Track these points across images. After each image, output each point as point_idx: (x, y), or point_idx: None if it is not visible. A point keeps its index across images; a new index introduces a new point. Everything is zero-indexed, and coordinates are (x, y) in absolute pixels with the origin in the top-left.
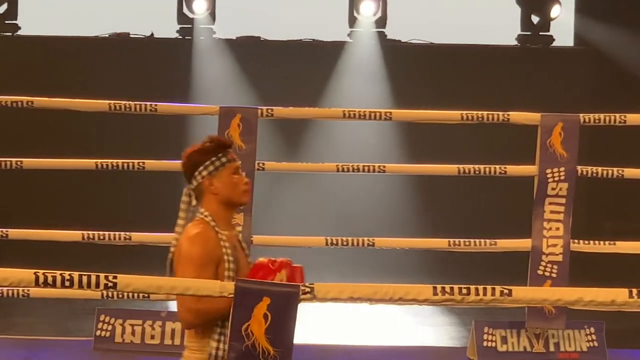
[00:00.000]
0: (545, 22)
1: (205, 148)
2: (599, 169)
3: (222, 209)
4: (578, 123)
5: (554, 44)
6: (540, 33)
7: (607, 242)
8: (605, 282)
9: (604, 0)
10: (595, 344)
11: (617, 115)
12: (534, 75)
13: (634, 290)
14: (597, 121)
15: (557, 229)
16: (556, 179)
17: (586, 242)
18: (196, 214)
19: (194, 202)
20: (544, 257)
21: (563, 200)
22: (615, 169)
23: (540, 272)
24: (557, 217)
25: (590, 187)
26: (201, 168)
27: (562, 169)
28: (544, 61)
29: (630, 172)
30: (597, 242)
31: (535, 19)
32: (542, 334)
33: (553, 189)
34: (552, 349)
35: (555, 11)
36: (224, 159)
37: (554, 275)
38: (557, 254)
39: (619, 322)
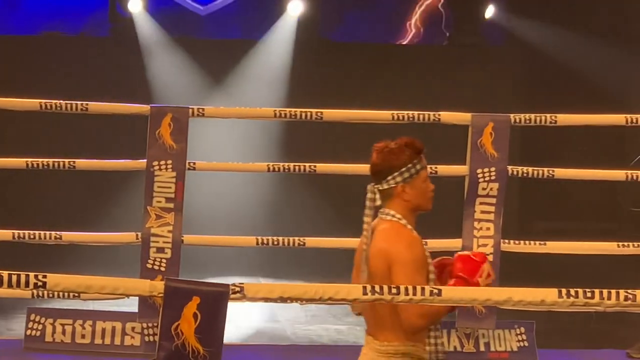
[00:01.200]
0: (477, 22)
1: (402, 152)
2: (530, 169)
3: (408, 213)
4: (509, 123)
5: (486, 43)
6: (472, 32)
7: (537, 242)
8: (536, 282)
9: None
10: (526, 343)
11: (548, 115)
12: (465, 75)
13: (563, 290)
14: (527, 121)
15: (488, 228)
16: (487, 179)
17: (517, 242)
18: (383, 215)
19: (378, 202)
20: None
21: (494, 201)
22: (546, 169)
23: None
24: (488, 217)
25: (521, 187)
26: (396, 173)
27: (492, 169)
28: (475, 61)
29: (561, 172)
30: (527, 242)
31: (466, 18)
32: (473, 333)
33: (484, 189)
34: (482, 348)
35: (488, 11)
36: (418, 166)
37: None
38: (487, 254)
39: (550, 322)
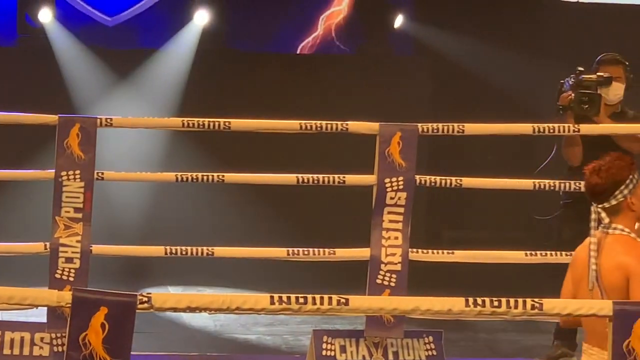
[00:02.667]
0: (386, 32)
1: (623, 167)
2: (438, 178)
3: (633, 225)
4: (416, 132)
5: (395, 53)
6: (381, 42)
7: (446, 251)
8: (445, 291)
9: (442, 9)
10: (434, 352)
11: (456, 125)
12: (374, 85)
13: (470, 300)
14: (435, 131)
15: (396, 238)
16: (395, 188)
17: (425, 251)
18: (611, 230)
19: (606, 220)
20: (382, 266)
21: (402, 210)
22: (453, 179)
23: (379, 281)
24: (396, 226)
25: (430, 196)
26: (622, 187)
27: (400, 178)
28: (384, 70)
29: (469, 182)
30: (436, 251)
31: (375, 28)
32: (381, 342)
33: (392, 198)
34: (391, 357)
35: (397, 21)
36: (637, 176)
37: (392, 284)
38: (395, 263)
39: (459, 331)
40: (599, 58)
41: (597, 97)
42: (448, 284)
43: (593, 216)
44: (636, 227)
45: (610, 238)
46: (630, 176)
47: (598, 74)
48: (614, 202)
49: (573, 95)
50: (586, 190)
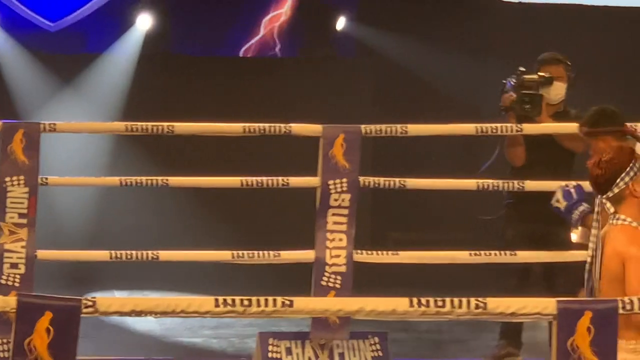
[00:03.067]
0: (328, 34)
1: (623, 155)
2: (381, 179)
3: (637, 212)
4: (359, 134)
5: (338, 55)
6: (324, 44)
7: (390, 252)
8: (391, 292)
9: (385, 10)
10: (380, 353)
11: (399, 126)
12: (318, 87)
13: (414, 300)
14: (378, 132)
15: (340, 239)
16: (338, 190)
17: (369, 252)
18: (613, 221)
19: (611, 210)
20: (327, 267)
21: (346, 212)
22: (397, 180)
23: (324, 283)
24: (340, 227)
25: (375, 198)
26: (623, 174)
27: (344, 180)
28: (327, 72)
29: (413, 182)
30: (380, 252)
31: (317, 30)
32: (327, 344)
33: (335, 200)
34: (337, 359)
35: (339, 23)
36: (638, 163)
37: (337, 285)
38: (340, 265)
39: (405, 332)
40: (540, 58)
41: (538, 97)
42: (394, 285)
43: (597, 209)
44: None
45: (615, 229)
46: (631, 164)
47: (539, 74)
48: (616, 190)
49: (514, 96)
50: (591, 184)
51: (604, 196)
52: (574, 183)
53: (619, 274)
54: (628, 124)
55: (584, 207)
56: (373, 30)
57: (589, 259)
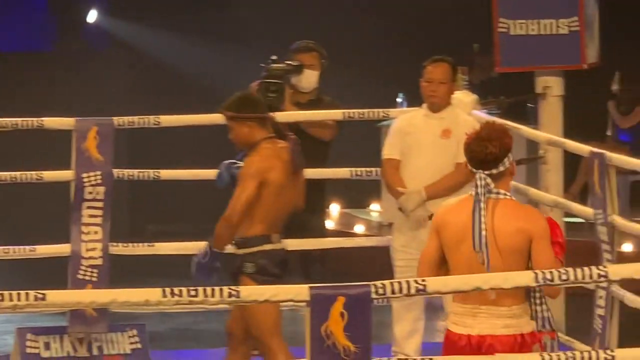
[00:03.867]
0: (81, 27)
1: (508, 134)
2: (136, 171)
3: (509, 188)
4: (112, 126)
5: (92, 48)
6: (77, 37)
7: (146, 244)
8: (152, 284)
9: (137, 2)
10: (139, 345)
11: (152, 117)
12: (72, 81)
13: (167, 290)
14: (131, 124)
15: (96, 232)
16: (93, 183)
17: (125, 245)
18: (494, 195)
19: (492, 186)
20: (83, 261)
21: (101, 204)
22: (152, 171)
23: (80, 277)
24: (96, 220)
25: (133, 190)
26: (510, 154)
27: (98, 172)
28: (82, 66)
29: (167, 174)
30: (136, 244)
31: (70, 24)
32: (86, 337)
33: (90, 193)
34: (95, 352)
35: (91, 16)
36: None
37: (94, 279)
38: (96, 258)
39: (164, 323)
40: (293, 46)
41: (281, 86)
42: (156, 277)
43: (481, 182)
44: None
45: (499, 203)
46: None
47: (287, 62)
48: (502, 168)
49: (259, 84)
50: (475, 158)
51: (487, 172)
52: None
53: (521, 248)
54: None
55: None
56: (125, 22)
57: (483, 232)
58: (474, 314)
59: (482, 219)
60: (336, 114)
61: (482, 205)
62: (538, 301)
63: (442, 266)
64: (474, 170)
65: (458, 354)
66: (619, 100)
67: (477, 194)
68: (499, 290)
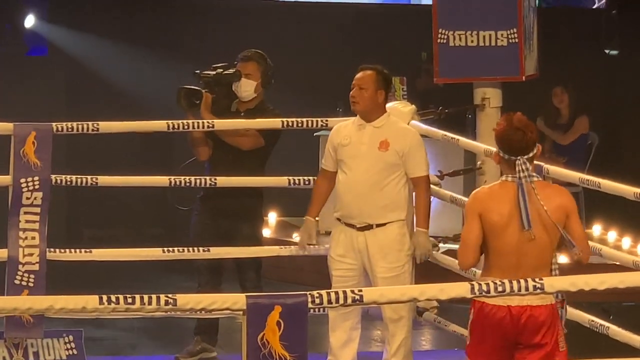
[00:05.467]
0: (18, 32)
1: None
2: (74, 177)
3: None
4: (51, 132)
5: (28, 52)
6: (13, 42)
7: (84, 250)
8: (91, 291)
9: (76, 10)
10: (75, 351)
11: (90, 123)
12: (9, 86)
13: (104, 297)
14: (70, 129)
15: (33, 238)
16: (30, 188)
17: (63, 250)
18: (533, 178)
19: (531, 169)
20: (20, 266)
21: (38, 210)
22: (89, 177)
23: (17, 282)
24: (33, 226)
25: (71, 196)
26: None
27: (36, 178)
28: (20, 71)
29: (104, 180)
30: (74, 250)
31: (6, 28)
32: (22, 343)
33: (28, 198)
34: (31, 358)
35: (28, 21)
36: None
37: (31, 284)
38: (33, 263)
39: (101, 329)
40: (239, 55)
41: (199, 93)
42: (95, 284)
43: (523, 167)
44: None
45: (536, 184)
46: None
47: (217, 70)
48: (535, 151)
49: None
50: (515, 146)
51: (526, 157)
52: None
53: (562, 222)
54: None
55: None
56: (64, 29)
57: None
58: None
59: (528, 200)
60: (274, 122)
61: (525, 188)
62: (554, 273)
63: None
64: (512, 157)
65: (496, 325)
66: (547, 114)
67: (519, 177)
68: (535, 264)
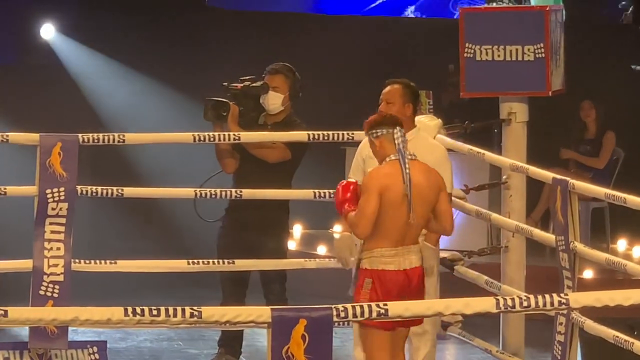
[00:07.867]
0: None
1: None
2: (99, 188)
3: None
4: (77, 143)
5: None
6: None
7: (108, 261)
8: (115, 302)
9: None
10: None
11: (117, 134)
12: (37, 96)
13: (129, 309)
14: (96, 140)
15: (58, 248)
16: (56, 199)
17: (87, 261)
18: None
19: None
20: (45, 277)
21: (63, 220)
22: (115, 188)
23: (42, 293)
24: (58, 237)
25: (95, 207)
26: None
27: (62, 188)
28: (46, 81)
29: (130, 191)
30: (98, 261)
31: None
32: (46, 353)
33: (53, 209)
34: None
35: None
36: None
37: (55, 295)
38: (58, 274)
39: (124, 341)
40: (267, 68)
41: (226, 105)
42: (120, 295)
43: (398, 134)
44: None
45: (414, 164)
46: None
47: (245, 83)
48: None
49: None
50: (390, 118)
51: (398, 126)
52: None
53: (433, 200)
54: None
55: None
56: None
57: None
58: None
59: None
60: (300, 135)
61: (406, 161)
62: (421, 238)
63: None
64: (390, 129)
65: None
66: (573, 130)
67: (400, 149)
68: (416, 235)
